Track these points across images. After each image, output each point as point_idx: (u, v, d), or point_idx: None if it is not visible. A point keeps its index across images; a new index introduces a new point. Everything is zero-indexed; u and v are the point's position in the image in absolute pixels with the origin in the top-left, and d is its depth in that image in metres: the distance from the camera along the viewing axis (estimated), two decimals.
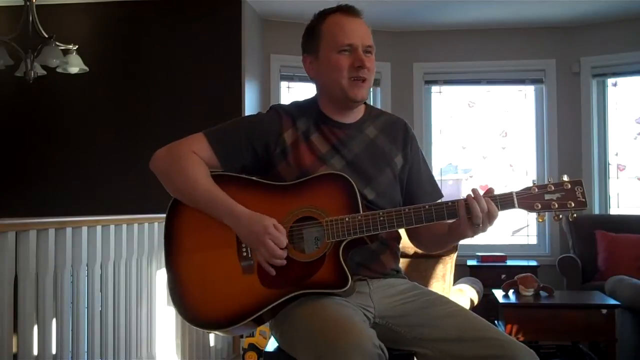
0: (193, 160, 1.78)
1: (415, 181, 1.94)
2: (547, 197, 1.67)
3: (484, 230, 1.68)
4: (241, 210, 1.72)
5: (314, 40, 1.87)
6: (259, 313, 1.69)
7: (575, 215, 1.68)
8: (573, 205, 1.66)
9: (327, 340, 1.52)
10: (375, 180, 1.84)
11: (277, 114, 1.88)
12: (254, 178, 1.85)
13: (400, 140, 1.93)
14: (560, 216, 1.69)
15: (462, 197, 1.70)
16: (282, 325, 1.77)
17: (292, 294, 1.69)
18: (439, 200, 1.86)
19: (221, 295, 1.74)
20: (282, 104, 1.93)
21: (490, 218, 1.66)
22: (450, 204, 1.69)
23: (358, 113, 1.91)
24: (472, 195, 1.66)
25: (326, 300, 1.67)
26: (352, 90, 1.82)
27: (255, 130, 1.84)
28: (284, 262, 1.69)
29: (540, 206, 1.67)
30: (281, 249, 1.68)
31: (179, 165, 1.78)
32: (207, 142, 1.81)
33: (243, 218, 1.71)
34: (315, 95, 1.94)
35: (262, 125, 1.86)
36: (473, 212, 1.65)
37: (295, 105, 1.93)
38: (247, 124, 1.90)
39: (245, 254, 1.74)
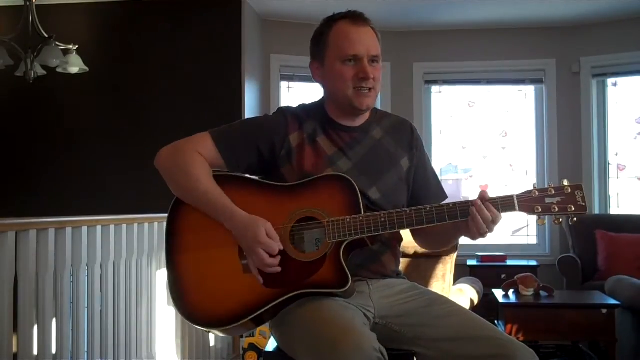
0: (196, 160, 1.79)
1: (421, 183, 1.94)
2: (547, 200, 1.68)
3: (490, 232, 1.69)
4: (238, 214, 1.72)
5: (321, 47, 1.87)
6: (258, 312, 1.69)
7: (575, 219, 1.69)
8: (573, 209, 1.67)
9: (327, 342, 1.52)
10: (381, 180, 1.85)
11: (283, 116, 1.88)
12: (257, 179, 1.85)
13: (406, 142, 1.94)
14: (561, 220, 1.70)
15: (465, 200, 1.70)
16: (282, 326, 1.77)
17: (292, 294, 1.69)
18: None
19: (221, 294, 1.74)
20: (289, 107, 1.93)
21: (493, 223, 1.67)
22: (451, 206, 1.69)
23: (364, 116, 1.92)
24: (477, 205, 1.66)
25: (326, 301, 1.68)
26: (357, 100, 1.82)
27: (261, 131, 1.85)
28: (278, 269, 1.69)
29: (540, 209, 1.68)
30: (273, 256, 1.68)
31: (182, 164, 1.79)
32: (212, 141, 1.82)
33: (239, 222, 1.71)
34: (322, 98, 1.94)
35: (268, 127, 1.86)
36: (476, 222, 1.66)
37: (303, 108, 1.93)
38: (253, 124, 1.91)
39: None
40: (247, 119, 2.04)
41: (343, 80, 1.81)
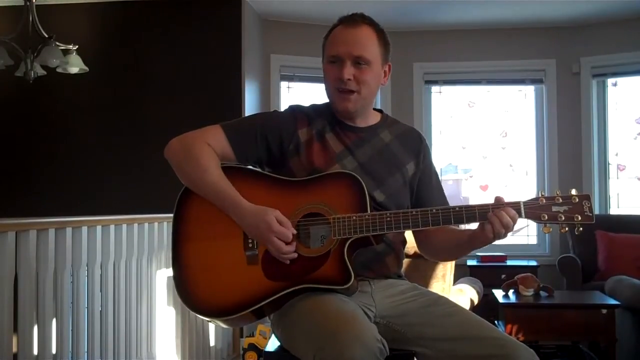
0: (205, 151, 1.81)
1: (425, 191, 1.95)
2: (554, 209, 1.68)
3: (502, 236, 1.69)
4: (245, 206, 1.74)
5: (322, 51, 1.92)
6: (260, 304, 1.70)
7: (581, 229, 1.69)
8: (580, 219, 1.68)
9: (328, 332, 1.52)
10: (386, 182, 1.86)
11: (293, 112, 1.92)
12: (265, 172, 1.87)
13: (414, 149, 1.95)
14: (566, 228, 1.70)
15: (472, 204, 1.70)
16: (284, 320, 1.78)
17: (295, 287, 1.70)
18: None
19: (224, 284, 1.75)
20: (300, 105, 1.96)
21: (508, 229, 1.67)
22: (457, 209, 1.70)
23: (372, 119, 1.95)
24: (496, 212, 1.65)
25: (328, 295, 1.68)
26: (336, 101, 1.87)
27: (270, 125, 1.88)
28: (295, 255, 1.71)
29: (547, 217, 1.68)
30: (287, 243, 1.69)
31: (191, 154, 1.81)
32: (223, 133, 1.84)
33: (247, 213, 1.73)
34: None
35: (278, 121, 1.89)
36: (494, 225, 1.65)
37: (313, 107, 1.96)
38: (263, 118, 1.95)
39: (250, 244, 1.75)
40: (258, 113, 2.09)
41: (327, 80, 1.88)
